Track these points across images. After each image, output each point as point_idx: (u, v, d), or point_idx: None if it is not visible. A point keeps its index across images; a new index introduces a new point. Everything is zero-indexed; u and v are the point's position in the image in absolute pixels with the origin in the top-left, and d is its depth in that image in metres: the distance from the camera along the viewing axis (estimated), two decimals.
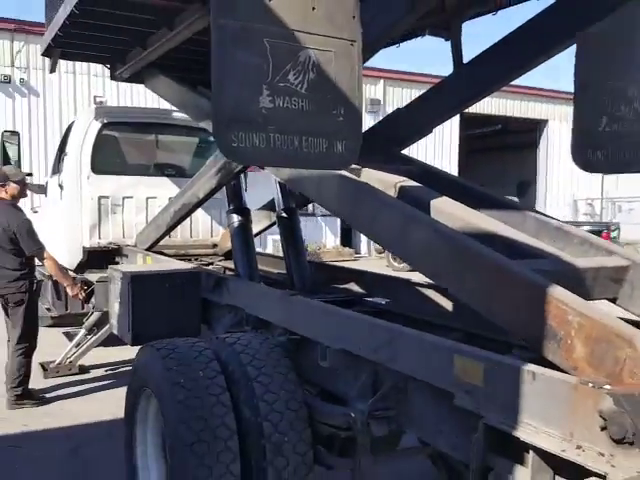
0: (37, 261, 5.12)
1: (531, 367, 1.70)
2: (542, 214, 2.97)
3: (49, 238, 5.63)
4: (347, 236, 18.89)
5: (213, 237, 5.89)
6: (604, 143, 2.96)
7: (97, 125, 5.46)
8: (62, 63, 12.51)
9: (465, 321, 2.86)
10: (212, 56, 1.99)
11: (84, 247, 5.40)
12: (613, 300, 2.47)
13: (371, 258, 18.73)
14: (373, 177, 3.05)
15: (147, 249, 5.03)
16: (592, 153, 2.97)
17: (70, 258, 5.53)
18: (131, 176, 5.65)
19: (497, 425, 1.72)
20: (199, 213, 5.57)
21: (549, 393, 1.64)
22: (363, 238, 18.85)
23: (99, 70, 14.16)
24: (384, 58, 40.57)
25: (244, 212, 4.02)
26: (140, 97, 14.27)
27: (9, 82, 13.09)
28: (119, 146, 5.94)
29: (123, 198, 5.56)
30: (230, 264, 4.85)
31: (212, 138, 5.63)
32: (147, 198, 5.61)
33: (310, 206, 18.01)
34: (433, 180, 3.18)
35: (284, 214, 4.04)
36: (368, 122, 17.88)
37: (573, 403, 1.58)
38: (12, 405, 4.85)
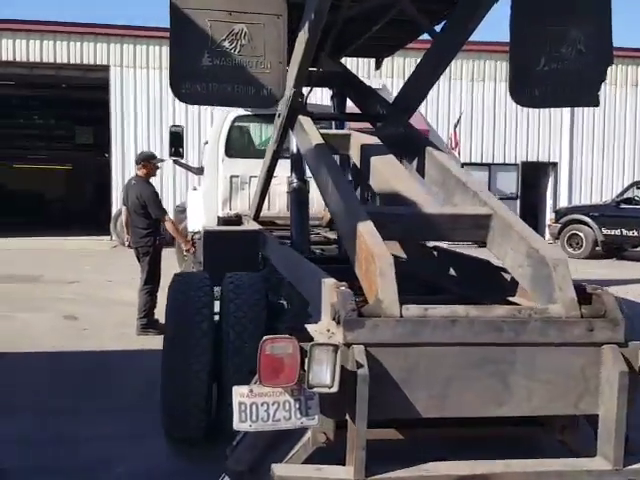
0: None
1: (328, 280, 2.35)
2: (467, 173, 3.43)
3: (201, 208, 7.19)
4: (529, 221, 18.35)
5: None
6: (543, 80, 3.36)
7: (230, 118, 6.87)
8: None
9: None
10: (170, 29, 3.06)
11: (218, 216, 6.82)
12: (483, 244, 2.95)
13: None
14: (355, 139, 3.84)
15: (253, 218, 6.10)
16: (530, 90, 3.39)
17: (208, 224, 7.01)
18: (256, 159, 6.44)
19: None
20: (314, 189, 6.59)
21: (325, 295, 2.32)
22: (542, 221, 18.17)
23: None
24: None
25: (303, 183, 4.65)
26: None
27: None
28: (247, 134, 7.36)
29: (250, 177, 6.68)
30: (331, 234, 5.89)
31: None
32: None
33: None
34: (403, 144, 3.84)
35: (295, 184, 4.57)
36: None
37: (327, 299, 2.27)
38: (139, 332, 6.37)
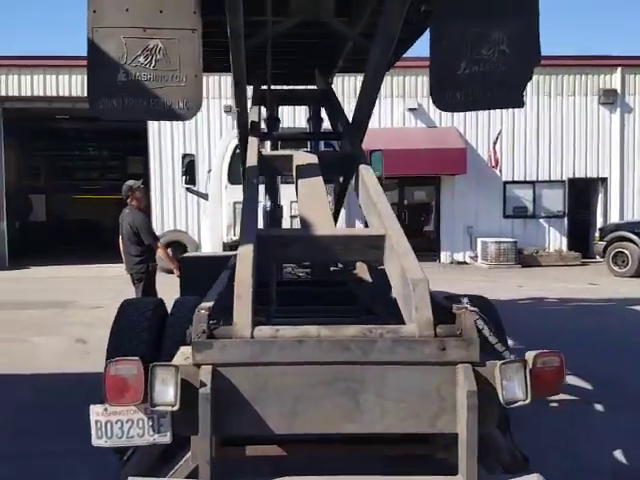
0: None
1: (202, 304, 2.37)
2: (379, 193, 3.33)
3: (207, 234, 7.37)
4: (579, 239, 17.59)
5: None
6: (464, 84, 3.24)
7: (232, 146, 7.02)
8: None
9: None
10: (87, 48, 3.12)
11: (223, 242, 6.94)
12: (376, 263, 2.85)
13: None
14: (296, 160, 3.82)
15: None
16: (451, 94, 3.27)
17: (213, 250, 7.17)
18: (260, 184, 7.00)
19: None
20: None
21: None
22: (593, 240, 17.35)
23: None
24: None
25: (276, 206, 4.89)
26: None
27: (230, 111, 15.95)
28: None
29: None
30: None
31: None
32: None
33: (530, 207, 17.57)
34: (344, 163, 3.87)
35: (268, 207, 4.78)
36: (602, 115, 16.41)
37: None
38: None
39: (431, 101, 3.30)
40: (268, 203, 4.82)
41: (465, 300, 2.41)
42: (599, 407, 4.91)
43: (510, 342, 3.60)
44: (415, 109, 16.98)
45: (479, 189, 17.13)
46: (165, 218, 16.45)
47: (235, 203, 6.97)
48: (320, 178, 3.48)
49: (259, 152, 3.82)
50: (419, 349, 2.13)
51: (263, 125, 4.92)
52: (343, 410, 2.13)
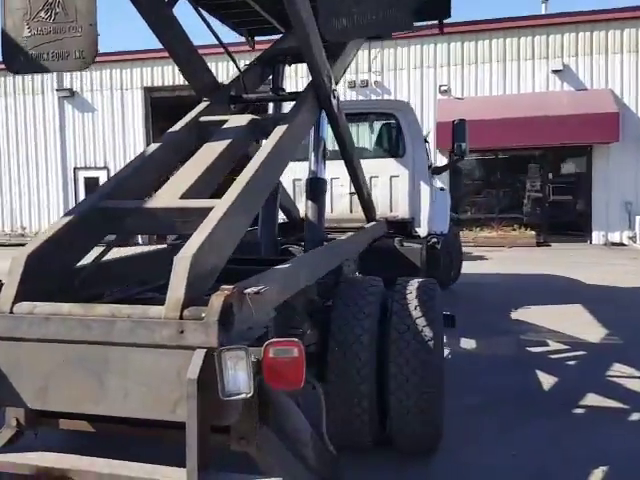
0: None
1: None
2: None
3: None
4: None
5: (393, 212, 6.45)
6: (347, 10, 2.89)
7: None
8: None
9: None
10: None
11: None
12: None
13: None
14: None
15: None
16: (337, 21, 2.92)
17: None
18: None
19: None
20: (378, 189, 6.45)
21: None
22: None
23: (444, 60, 15.52)
24: None
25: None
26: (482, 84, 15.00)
27: (366, 86, 15.78)
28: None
29: None
30: None
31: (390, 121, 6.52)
32: (331, 179, 6.35)
33: None
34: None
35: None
36: None
37: None
38: None
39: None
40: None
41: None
42: None
43: None
44: (560, 71, 15.28)
45: None
46: None
47: (295, 180, 6.89)
48: (224, 144, 3.30)
49: (196, 117, 3.76)
50: (158, 331, 2.00)
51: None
52: (88, 390, 2.08)
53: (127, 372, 2.05)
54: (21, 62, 3.30)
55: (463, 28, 15.12)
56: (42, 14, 3.21)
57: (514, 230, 15.73)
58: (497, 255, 13.18)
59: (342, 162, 6.80)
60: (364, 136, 7.53)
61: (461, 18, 17.52)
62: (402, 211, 6.58)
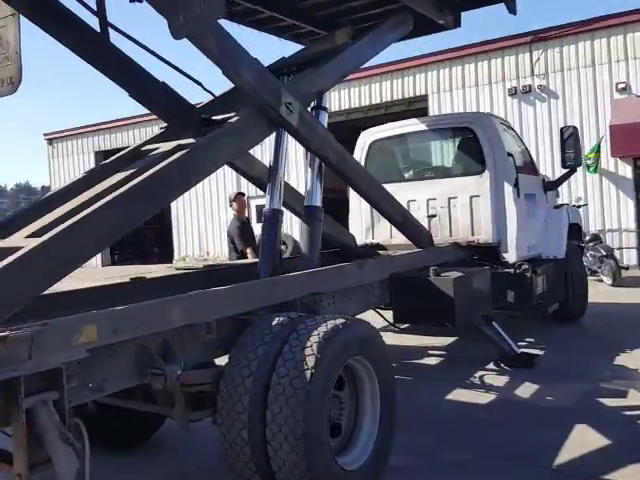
0: None
1: None
2: None
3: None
4: None
5: (474, 235, 5.90)
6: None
7: (368, 142, 6.62)
8: None
9: None
10: None
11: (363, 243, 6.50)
12: None
13: None
14: None
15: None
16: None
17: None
18: (399, 183, 6.36)
19: None
20: (457, 211, 5.96)
21: None
22: None
23: (620, 55, 13.37)
24: None
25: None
26: None
27: (529, 91, 14.22)
28: (389, 157, 6.83)
29: None
30: None
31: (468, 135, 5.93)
32: (408, 201, 6.16)
33: None
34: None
35: (269, 214, 4.28)
36: None
37: None
38: None
39: None
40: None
41: None
42: None
43: None
44: None
45: None
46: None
47: (409, 201, 6.52)
48: (121, 176, 3.18)
49: (140, 145, 3.70)
50: None
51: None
52: None
53: None
54: None
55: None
56: None
57: None
58: None
59: (420, 183, 6.33)
60: (439, 154, 6.91)
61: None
62: (485, 234, 5.85)
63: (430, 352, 6.26)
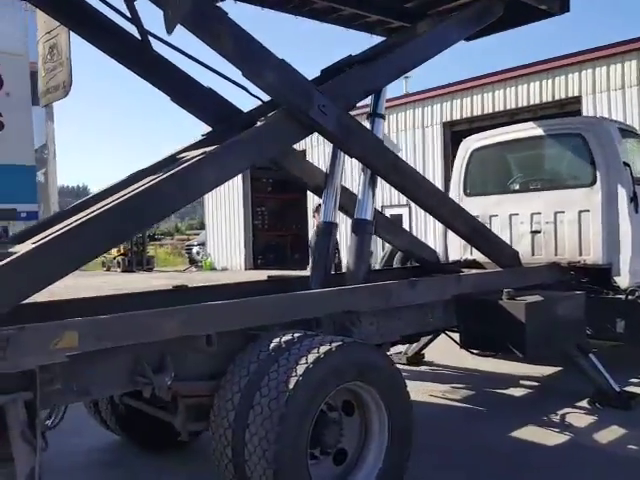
0: None
1: None
2: None
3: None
4: None
5: (583, 255, 5.29)
6: None
7: (469, 151, 6.22)
8: None
9: None
10: None
11: (460, 259, 5.93)
12: None
13: None
14: None
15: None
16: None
17: None
18: (496, 195, 6.00)
19: None
20: (564, 227, 5.46)
21: None
22: None
23: None
24: None
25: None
26: None
27: None
28: (491, 167, 6.34)
29: (490, 216, 5.91)
30: None
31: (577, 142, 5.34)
32: (510, 215, 5.83)
33: None
34: None
35: (322, 226, 4.23)
36: None
37: None
38: None
39: None
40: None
41: None
42: None
43: None
44: None
45: None
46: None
47: (491, 216, 6.09)
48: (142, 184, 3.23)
49: (178, 152, 3.78)
50: None
51: None
52: None
53: None
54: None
55: None
56: (48, 56, 3.82)
57: None
58: None
59: (524, 195, 5.77)
60: (546, 163, 6.22)
61: None
62: (594, 254, 5.20)
63: (521, 382, 5.62)
